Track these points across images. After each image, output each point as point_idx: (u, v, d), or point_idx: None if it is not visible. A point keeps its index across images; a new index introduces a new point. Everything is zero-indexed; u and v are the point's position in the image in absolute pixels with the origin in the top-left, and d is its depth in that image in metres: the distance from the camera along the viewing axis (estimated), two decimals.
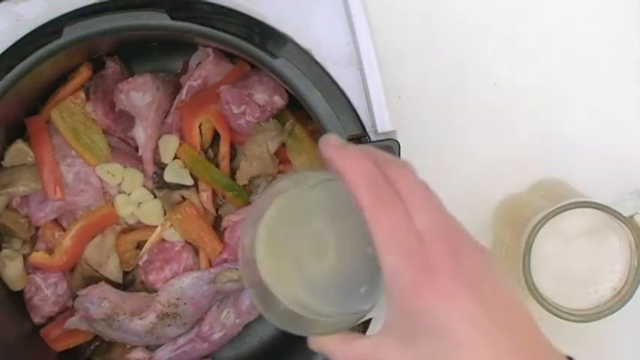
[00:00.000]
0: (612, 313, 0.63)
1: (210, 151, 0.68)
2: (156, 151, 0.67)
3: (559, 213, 0.61)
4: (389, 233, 0.43)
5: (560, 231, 0.63)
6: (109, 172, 0.67)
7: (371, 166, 0.44)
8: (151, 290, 0.68)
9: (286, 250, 0.48)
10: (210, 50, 0.67)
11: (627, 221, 0.62)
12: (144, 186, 0.68)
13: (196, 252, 0.68)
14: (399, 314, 0.43)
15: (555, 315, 0.63)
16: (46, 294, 0.69)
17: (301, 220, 0.48)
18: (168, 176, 0.67)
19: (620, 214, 0.61)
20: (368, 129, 0.58)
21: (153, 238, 0.68)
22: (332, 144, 0.46)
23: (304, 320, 0.48)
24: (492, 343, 0.41)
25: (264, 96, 0.66)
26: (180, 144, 0.67)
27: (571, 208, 0.61)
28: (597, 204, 0.61)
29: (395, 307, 0.43)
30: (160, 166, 0.68)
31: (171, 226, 0.68)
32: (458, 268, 0.42)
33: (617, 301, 0.63)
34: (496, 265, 0.45)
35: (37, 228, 0.68)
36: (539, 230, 0.61)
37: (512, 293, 0.44)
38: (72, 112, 0.67)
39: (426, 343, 0.42)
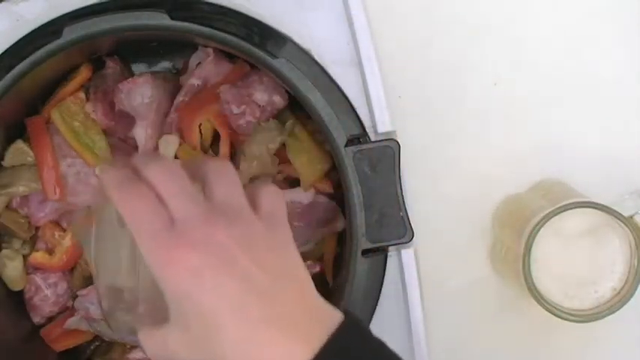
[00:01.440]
0: (612, 313, 0.63)
1: (210, 151, 0.68)
2: (156, 151, 0.67)
3: (559, 213, 0.61)
4: (138, 220, 0.44)
5: (560, 231, 0.63)
6: None
7: (122, 171, 0.46)
8: None
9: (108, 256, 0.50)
10: (210, 50, 0.67)
11: (627, 221, 0.62)
12: None
13: None
14: (169, 300, 0.44)
15: (555, 315, 0.63)
16: (46, 294, 0.69)
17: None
18: None
19: (620, 214, 0.61)
20: (368, 129, 0.58)
21: None
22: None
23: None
24: (248, 318, 0.42)
25: (264, 96, 0.66)
26: (180, 144, 0.67)
27: (571, 208, 0.61)
28: (597, 204, 0.61)
29: (165, 293, 0.44)
30: None
31: None
32: (207, 245, 0.43)
33: (617, 301, 0.63)
34: (267, 235, 0.45)
35: (37, 228, 0.68)
36: (539, 230, 0.61)
37: (284, 261, 0.46)
38: (72, 112, 0.67)
39: (194, 324, 0.43)
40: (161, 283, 0.43)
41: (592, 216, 0.62)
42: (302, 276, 0.46)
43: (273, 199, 0.48)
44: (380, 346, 0.46)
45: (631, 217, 0.62)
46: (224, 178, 0.47)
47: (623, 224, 0.62)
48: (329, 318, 0.44)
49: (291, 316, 0.43)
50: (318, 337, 0.43)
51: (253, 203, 0.47)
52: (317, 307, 0.45)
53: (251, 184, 0.49)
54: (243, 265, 0.43)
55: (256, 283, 0.43)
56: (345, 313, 0.45)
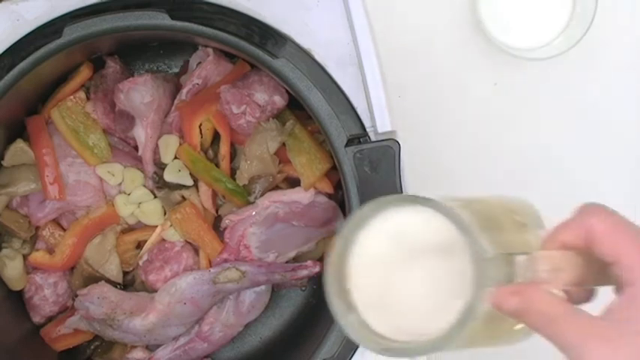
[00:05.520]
0: None
1: (210, 151, 0.68)
2: (156, 151, 0.67)
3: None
4: None
5: None
6: (109, 172, 0.67)
7: None
8: (151, 290, 0.69)
9: None
10: (210, 50, 0.67)
11: None
12: (144, 186, 0.68)
13: (196, 252, 0.68)
14: None
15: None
16: (46, 294, 0.69)
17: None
18: (168, 176, 0.67)
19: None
20: (368, 129, 0.58)
21: (153, 238, 0.68)
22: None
23: None
24: None
25: (264, 96, 0.66)
26: (180, 144, 0.67)
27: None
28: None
29: None
30: (160, 166, 0.68)
31: (171, 226, 0.68)
32: None
33: None
34: None
35: (37, 228, 0.68)
36: None
37: None
38: (72, 112, 0.67)
39: None
40: None
41: None
42: None
43: None
44: None
45: None
46: None
47: None
48: None
49: None
50: None
51: None
52: None
53: None
54: None
55: None
56: None
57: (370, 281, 0.42)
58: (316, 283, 0.72)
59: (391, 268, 0.42)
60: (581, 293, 0.44)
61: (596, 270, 0.42)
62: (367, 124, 0.58)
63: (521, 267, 0.42)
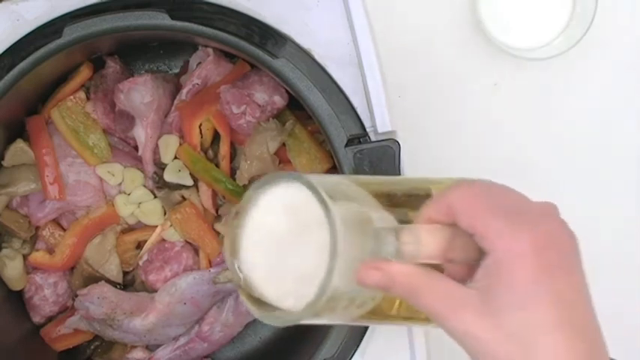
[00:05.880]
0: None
1: (210, 151, 0.68)
2: (156, 151, 0.67)
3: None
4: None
5: None
6: (109, 172, 0.67)
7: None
8: (151, 290, 0.69)
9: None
10: (210, 50, 0.67)
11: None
12: (144, 186, 0.68)
13: (196, 252, 0.68)
14: None
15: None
16: (46, 294, 0.69)
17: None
18: (168, 176, 0.67)
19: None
20: (368, 129, 0.58)
21: (153, 238, 0.68)
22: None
23: None
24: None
25: (264, 96, 0.66)
26: (180, 144, 0.67)
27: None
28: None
29: None
30: (160, 166, 0.68)
31: (171, 226, 0.68)
32: None
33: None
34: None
35: (37, 228, 0.68)
36: None
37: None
38: (72, 112, 0.67)
39: None
40: None
41: None
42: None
43: None
44: None
45: None
46: None
47: None
48: None
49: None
50: None
51: None
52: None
53: None
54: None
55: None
56: None
57: (262, 253, 0.44)
58: None
59: (281, 241, 0.43)
60: (463, 269, 0.44)
61: (464, 243, 0.43)
62: (367, 124, 0.58)
63: (384, 241, 0.42)
